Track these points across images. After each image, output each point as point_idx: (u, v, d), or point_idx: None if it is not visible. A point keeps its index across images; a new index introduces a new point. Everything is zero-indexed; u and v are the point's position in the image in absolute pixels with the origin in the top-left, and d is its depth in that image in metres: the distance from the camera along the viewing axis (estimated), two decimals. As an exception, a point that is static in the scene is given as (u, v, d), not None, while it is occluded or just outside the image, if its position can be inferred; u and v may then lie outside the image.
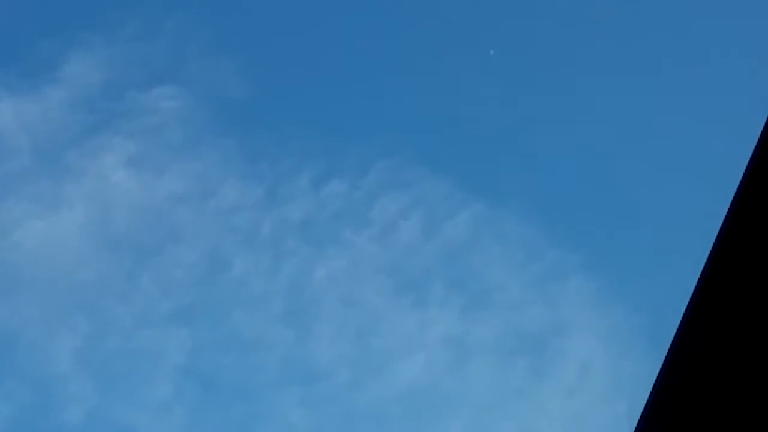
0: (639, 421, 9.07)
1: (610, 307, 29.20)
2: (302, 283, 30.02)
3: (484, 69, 30.52)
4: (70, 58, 29.73)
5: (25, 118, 29.73)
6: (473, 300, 29.79)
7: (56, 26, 31.31)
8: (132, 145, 29.83)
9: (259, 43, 31.95)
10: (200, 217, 30.10)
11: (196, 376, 29.66)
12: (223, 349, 29.91)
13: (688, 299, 8.69)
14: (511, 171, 31.67)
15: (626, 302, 29.27)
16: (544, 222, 30.45)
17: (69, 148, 29.78)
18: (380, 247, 30.00)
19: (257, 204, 30.24)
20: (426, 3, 30.81)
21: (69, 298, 29.74)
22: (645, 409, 9.02)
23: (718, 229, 8.42)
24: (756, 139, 8.04)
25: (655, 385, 8.98)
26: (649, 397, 9.07)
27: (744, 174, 8.12)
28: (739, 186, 8.18)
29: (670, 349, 8.88)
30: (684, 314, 8.73)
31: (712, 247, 8.46)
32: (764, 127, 7.97)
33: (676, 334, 8.82)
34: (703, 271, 8.53)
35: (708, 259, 8.50)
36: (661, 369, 8.99)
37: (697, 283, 8.58)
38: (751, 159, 8.05)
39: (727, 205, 8.31)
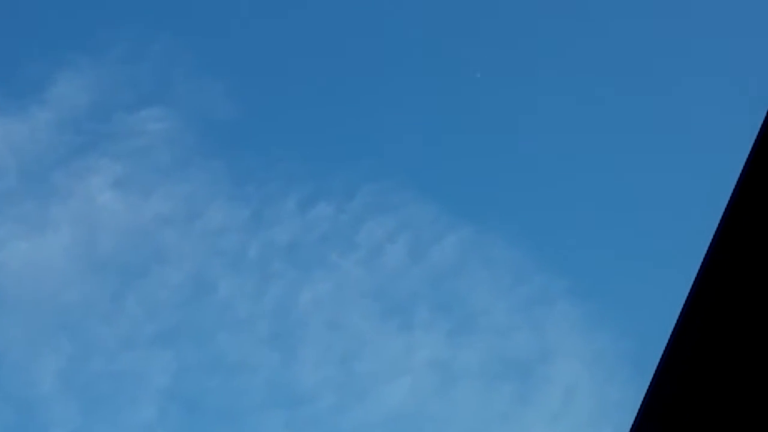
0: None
1: (595, 332, 29.28)
2: (288, 306, 30.04)
3: (471, 92, 30.66)
4: (58, 80, 29.78)
5: (11, 139, 29.75)
6: (459, 324, 29.83)
7: (44, 47, 31.35)
8: (119, 167, 29.87)
9: (247, 66, 32.05)
10: (186, 239, 30.11)
11: (180, 398, 29.61)
12: (208, 371, 29.89)
13: (673, 325, 8.74)
14: (499, 195, 31.79)
15: (612, 327, 29.34)
16: (530, 246, 30.52)
17: (55, 169, 29.80)
18: (366, 270, 30.04)
19: (243, 226, 30.28)
20: (411, 28, 30.96)
21: (53, 319, 29.69)
22: (630, 434, 9.06)
23: (702, 256, 8.48)
24: (736, 178, 8.13)
25: (640, 410, 9.03)
26: (634, 422, 9.11)
27: (727, 205, 8.19)
28: (723, 215, 8.24)
29: (655, 375, 8.92)
30: (669, 340, 8.78)
31: (697, 274, 8.51)
32: (742, 173, 8.05)
33: (661, 359, 8.86)
34: (688, 298, 8.59)
35: (693, 286, 8.55)
36: (646, 394, 9.03)
37: (682, 309, 8.64)
38: (733, 193, 8.13)
39: (712, 233, 8.38)
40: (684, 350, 8.71)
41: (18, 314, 29.63)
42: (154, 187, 30.13)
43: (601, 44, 30.38)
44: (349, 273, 29.91)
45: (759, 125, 7.94)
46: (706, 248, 8.43)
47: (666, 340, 8.82)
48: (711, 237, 8.37)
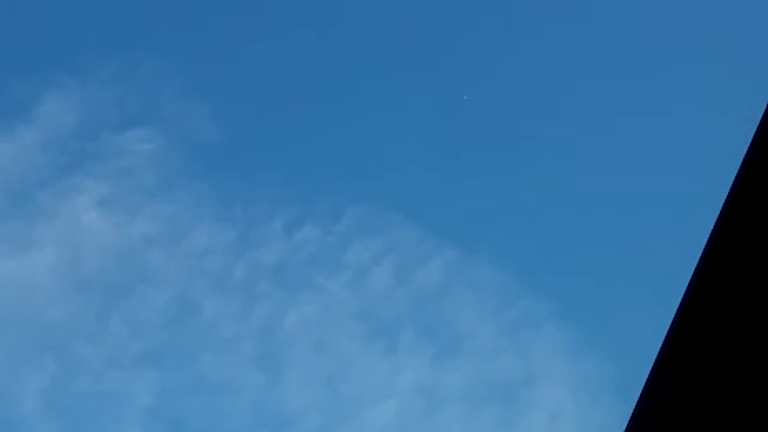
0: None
1: (580, 356, 29.27)
2: (273, 328, 29.97)
3: (458, 115, 30.72)
4: (44, 99, 29.75)
5: (-3, 158, 29.68)
6: (444, 347, 29.80)
7: (30, 68, 31.32)
8: (104, 187, 29.82)
9: (233, 88, 32.08)
10: (172, 259, 30.04)
11: (164, 419, 29.48)
12: (193, 392, 29.78)
13: (657, 350, 8.75)
14: (484, 218, 31.80)
15: (597, 352, 29.33)
16: (516, 270, 30.54)
17: (41, 188, 29.73)
18: (352, 292, 30.01)
19: (229, 248, 30.22)
20: (395, 51, 31.02)
21: (37, 339, 29.57)
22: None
23: (687, 281, 8.49)
24: (721, 204, 8.15)
25: (624, 435, 9.02)
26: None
27: (712, 232, 8.21)
28: (708, 241, 8.26)
29: (639, 400, 8.92)
30: (653, 365, 8.78)
31: (682, 299, 8.53)
32: (724, 205, 8.08)
33: (645, 385, 8.86)
34: (672, 323, 8.60)
35: (678, 311, 8.56)
36: (630, 420, 9.02)
37: (667, 335, 8.64)
38: (718, 219, 8.15)
39: (697, 258, 8.39)
40: (668, 376, 8.71)
41: (1, 333, 29.52)
42: (140, 207, 30.10)
43: (592, 58, 30.49)
44: (334, 295, 29.88)
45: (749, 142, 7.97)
46: (691, 273, 8.44)
47: (650, 366, 8.82)
48: (696, 262, 8.38)
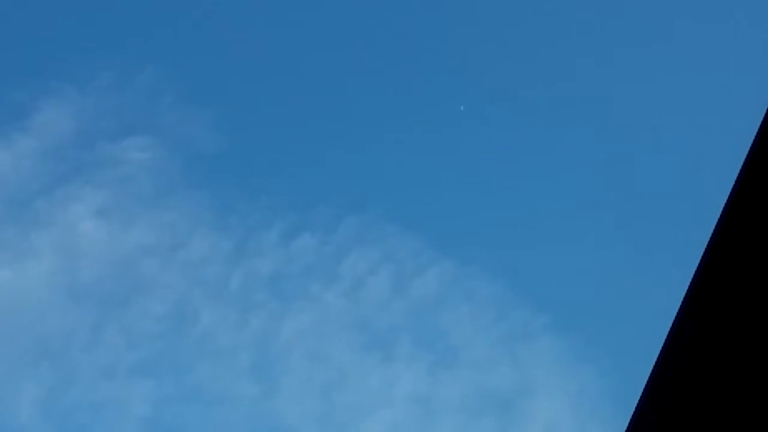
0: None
1: (577, 368, 29.27)
2: (270, 338, 29.97)
3: (455, 126, 30.76)
4: (42, 107, 29.77)
5: (-6, 166, 29.68)
6: (441, 358, 29.79)
7: (28, 75, 31.36)
8: (102, 196, 29.82)
9: (232, 97, 32.10)
10: (168, 269, 30.04)
11: (160, 429, 29.44)
12: (188, 402, 29.75)
13: (653, 362, 8.76)
14: (480, 229, 31.83)
15: (593, 364, 29.34)
16: (512, 281, 30.56)
17: (38, 197, 29.73)
18: (349, 302, 30.01)
19: (226, 257, 30.23)
20: (392, 61, 31.06)
21: (33, 348, 29.54)
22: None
23: (683, 294, 8.51)
24: (717, 216, 8.17)
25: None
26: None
27: (708, 245, 8.23)
28: (703, 255, 8.28)
29: (635, 413, 8.93)
30: (650, 377, 8.80)
31: (678, 311, 8.54)
32: (721, 217, 8.09)
33: (642, 396, 8.87)
34: (668, 335, 8.61)
35: (674, 323, 8.58)
36: (626, 431, 9.03)
37: (663, 347, 8.65)
38: (714, 231, 8.17)
39: (693, 271, 8.41)
40: (664, 389, 8.72)
41: (-3, 342, 29.48)
42: (137, 216, 30.10)
43: (588, 71, 30.54)
44: (331, 305, 29.88)
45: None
46: (687, 284, 8.45)
47: (646, 378, 8.83)
48: (692, 273, 8.40)
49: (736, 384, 8.51)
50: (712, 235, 8.17)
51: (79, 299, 29.90)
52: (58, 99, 29.88)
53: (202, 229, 30.25)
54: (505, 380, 29.30)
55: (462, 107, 30.03)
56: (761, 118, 7.77)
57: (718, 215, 8.16)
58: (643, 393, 8.84)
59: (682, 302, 8.50)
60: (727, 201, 8.12)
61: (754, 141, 7.82)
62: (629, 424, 8.98)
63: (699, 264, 8.33)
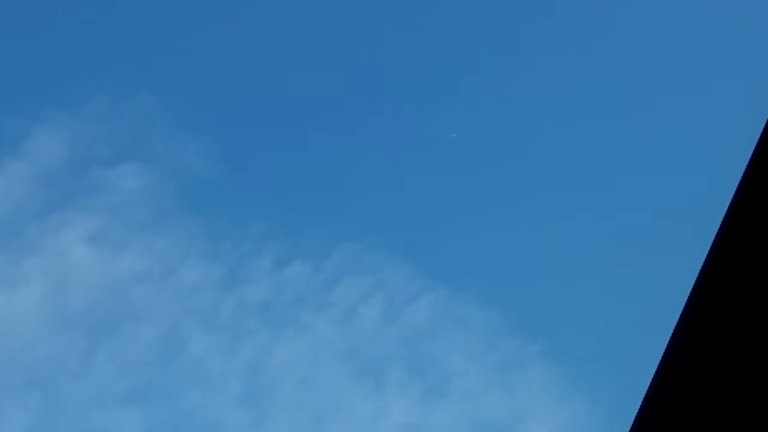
0: None
1: (568, 396, 29.19)
2: (260, 366, 29.85)
3: (447, 155, 30.79)
4: (34, 133, 29.75)
5: (-14, 192, 29.63)
6: (433, 386, 29.70)
7: (21, 102, 31.34)
8: (94, 222, 29.76)
9: (225, 124, 32.12)
10: (159, 296, 29.95)
11: (149, 457, 29.27)
12: (179, 430, 29.60)
13: (644, 392, 8.72)
14: (473, 258, 31.79)
15: (585, 392, 29.26)
16: (504, 310, 30.52)
17: (30, 222, 29.66)
18: (340, 330, 29.92)
19: (218, 284, 30.15)
20: (384, 87, 31.12)
21: (22, 375, 29.41)
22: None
23: (676, 320, 8.49)
24: (706, 252, 8.16)
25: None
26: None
27: (699, 274, 8.22)
28: (693, 286, 8.27)
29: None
30: (641, 407, 8.76)
31: (669, 342, 8.52)
32: (710, 250, 8.08)
33: (632, 426, 8.84)
34: (659, 365, 8.58)
35: (665, 353, 8.55)
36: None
37: (654, 376, 8.63)
38: (703, 266, 8.16)
39: (685, 297, 8.39)
40: (656, 418, 8.69)
41: (-13, 369, 29.35)
42: (129, 243, 30.03)
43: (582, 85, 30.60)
44: (322, 333, 29.80)
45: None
46: (678, 313, 8.43)
47: (638, 407, 8.80)
48: (684, 302, 8.38)
49: (730, 414, 8.48)
50: (703, 265, 8.15)
51: (70, 326, 29.80)
52: (52, 125, 29.87)
53: (193, 256, 30.19)
54: (497, 409, 29.21)
55: (453, 135, 30.07)
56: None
57: (710, 242, 8.15)
58: (634, 423, 8.81)
59: (674, 331, 8.47)
60: (719, 230, 8.11)
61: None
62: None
63: (691, 291, 8.31)
